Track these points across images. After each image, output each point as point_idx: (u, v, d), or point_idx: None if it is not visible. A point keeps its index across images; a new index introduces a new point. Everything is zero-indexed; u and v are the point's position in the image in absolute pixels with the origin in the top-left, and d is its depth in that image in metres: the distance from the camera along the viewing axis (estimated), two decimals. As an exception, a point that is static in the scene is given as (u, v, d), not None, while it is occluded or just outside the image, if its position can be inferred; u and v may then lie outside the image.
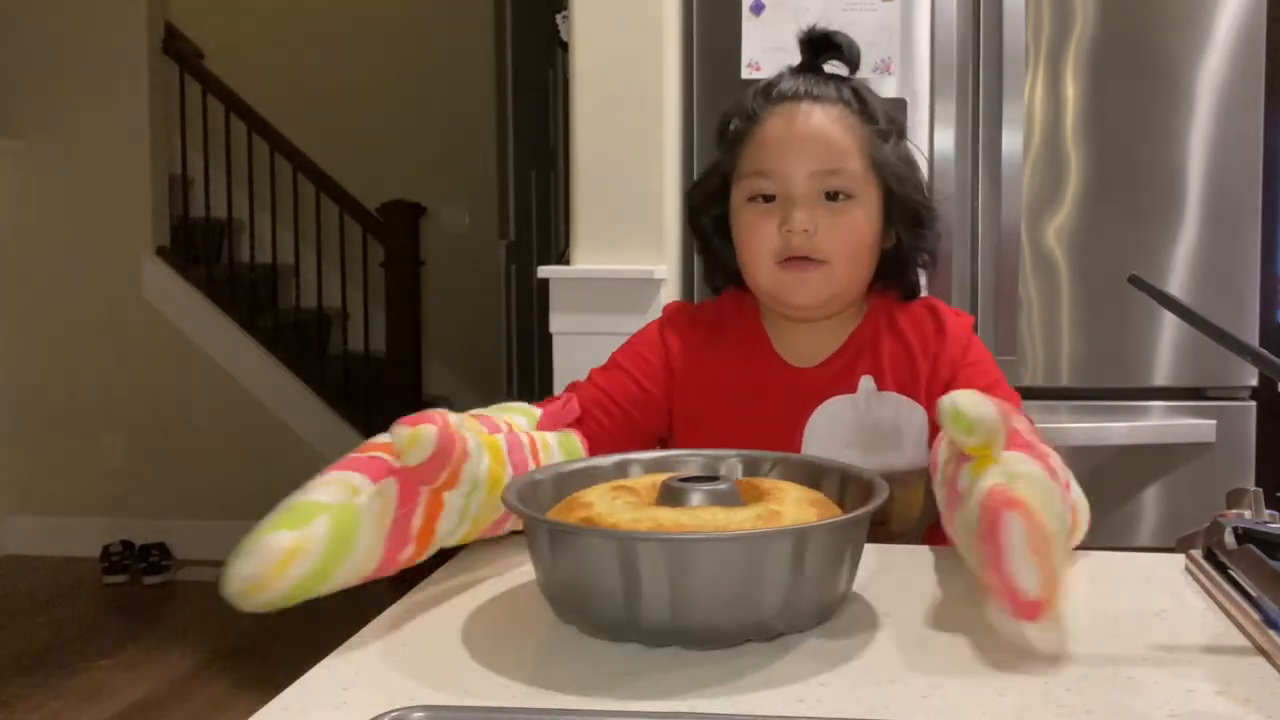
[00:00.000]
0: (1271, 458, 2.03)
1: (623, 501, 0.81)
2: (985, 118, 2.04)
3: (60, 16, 4.30)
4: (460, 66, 5.02)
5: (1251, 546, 0.85)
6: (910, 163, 1.22)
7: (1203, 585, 0.88)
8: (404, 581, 0.88)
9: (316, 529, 0.76)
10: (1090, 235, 2.05)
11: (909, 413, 1.17)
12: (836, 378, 1.19)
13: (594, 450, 1.08)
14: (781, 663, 0.73)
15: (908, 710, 0.66)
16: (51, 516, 4.40)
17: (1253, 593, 0.80)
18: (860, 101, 1.19)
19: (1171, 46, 2.04)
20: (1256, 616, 0.77)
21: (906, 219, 1.20)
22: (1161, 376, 2.05)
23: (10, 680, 3.17)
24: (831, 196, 1.15)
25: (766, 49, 2.02)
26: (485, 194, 4.83)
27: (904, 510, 1.17)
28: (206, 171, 4.71)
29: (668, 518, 0.77)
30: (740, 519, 0.77)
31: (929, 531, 1.20)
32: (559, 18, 2.18)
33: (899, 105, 1.97)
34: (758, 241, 1.17)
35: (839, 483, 0.90)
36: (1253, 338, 2.02)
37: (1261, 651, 0.74)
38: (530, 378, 4.71)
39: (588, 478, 0.91)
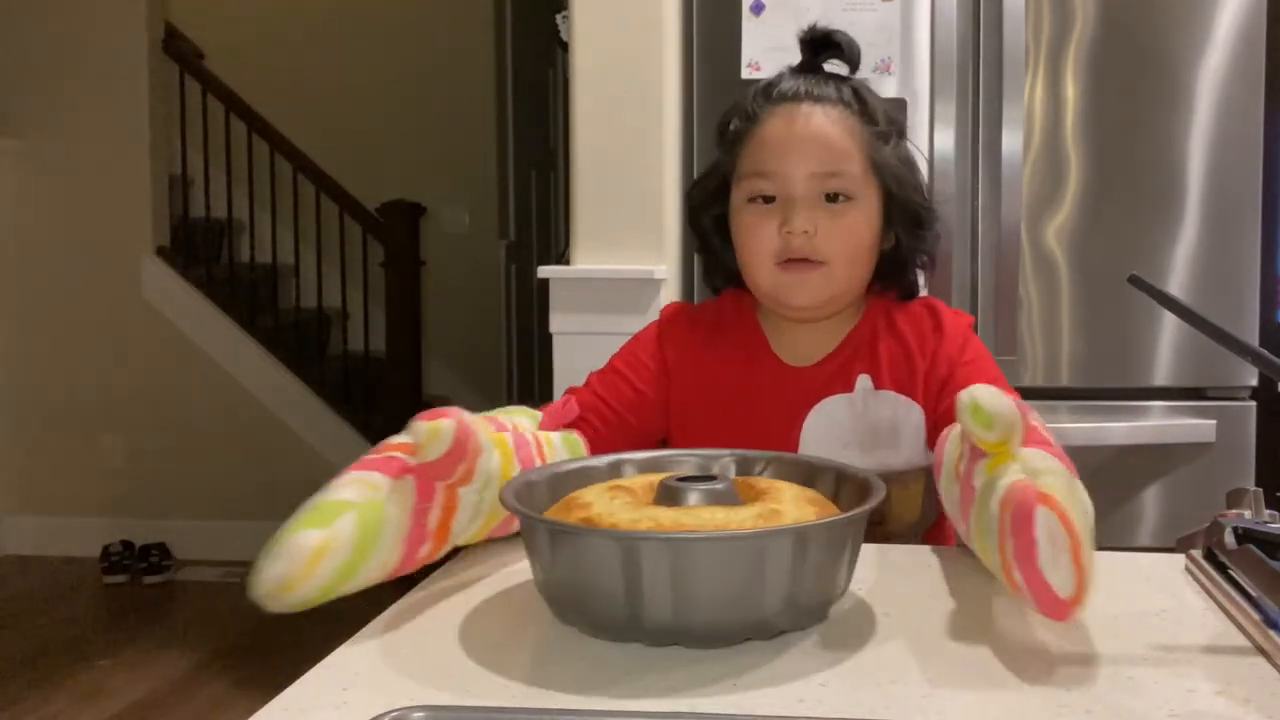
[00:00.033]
0: (1271, 458, 2.03)
1: (621, 502, 0.81)
2: (985, 118, 2.04)
3: (60, 16, 4.31)
4: (460, 66, 5.02)
5: (1251, 546, 0.85)
6: (910, 164, 1.22)
7: (1203, 585, 0.88)
8: (404, 581, 0.88)
9: (344, 526, 0.77)
10: (1090, 235, 2.05)
11: (906, 412, 1.17)
12: (833, 377, 1.19)
13: (593, 454, 1.08)
14: (781, 662, 0.73)
15: (908, 710, 0.66)
16: (51, 516, 4.40)
17: (1253, 593, 0.80)
18: (860, 102, 1.19)
19: (1171, 46, 2.04)
20: (1256, 616, 0.77)
21: (906, 220, 1.20)
22: (1161, 376, 2.06)
23: (10, 680, 3.17)
24: (831, 198, 1.15)
25: (766, 49, 2.02)
26: (485, 194, 4.83)
27: (901, 510, 1.17)
28: (206, 171, 4.71)
29: (667, 517, 0.77)
30: (741, 518, 0.77)
31: (928, 531, 1.20)
32: (559, 18, 2.18)
33: (899, 105, 1.97)
34: (757, 243, 1.17)
35: (834, 482, 0.90)
36: (1253, 338, 2.02)
37: (1261, 651, 0.74)
38: (530, 378, 4.71)
39: (583, 478, 0.91)
